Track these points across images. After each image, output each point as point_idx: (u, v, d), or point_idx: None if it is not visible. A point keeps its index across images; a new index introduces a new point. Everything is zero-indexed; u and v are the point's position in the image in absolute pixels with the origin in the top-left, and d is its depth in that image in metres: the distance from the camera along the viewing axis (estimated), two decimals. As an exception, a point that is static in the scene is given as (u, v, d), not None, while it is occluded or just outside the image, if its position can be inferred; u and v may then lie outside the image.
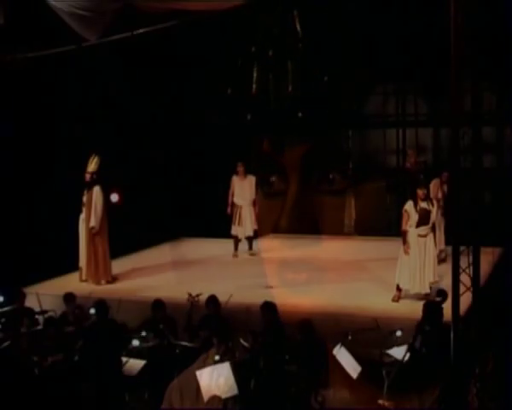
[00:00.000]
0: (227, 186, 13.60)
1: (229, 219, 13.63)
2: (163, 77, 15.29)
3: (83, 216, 11.84)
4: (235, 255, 13.76)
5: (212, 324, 8.84)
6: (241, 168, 13.53)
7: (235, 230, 13.67)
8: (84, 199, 11.77)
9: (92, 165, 11.71)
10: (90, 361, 8.09)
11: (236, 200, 13.58)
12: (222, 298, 9.34)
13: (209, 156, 15.75)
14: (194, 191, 15.68)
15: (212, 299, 9.22)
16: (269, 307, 8.63)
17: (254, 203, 13.65)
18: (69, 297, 9.75)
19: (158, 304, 9.36)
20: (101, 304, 8.78)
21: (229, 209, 13.63)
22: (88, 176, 11.68)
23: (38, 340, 8.66)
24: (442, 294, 8.56)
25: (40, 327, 9.06)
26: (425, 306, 7.98)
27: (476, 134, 8.77)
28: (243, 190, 13.56)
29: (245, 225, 13.59)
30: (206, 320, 9.05)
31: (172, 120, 15.63)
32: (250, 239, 13.80)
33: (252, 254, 13.80)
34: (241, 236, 13.70)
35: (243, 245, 13.84)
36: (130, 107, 14.07)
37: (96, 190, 11.67)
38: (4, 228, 11.61)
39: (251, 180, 13.60)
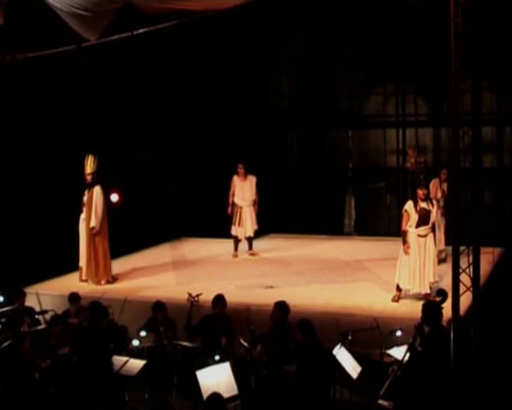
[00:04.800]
0: (227, 186, 13.57)
1: (230, 220, 13.61)
2: (162, 76, 15.32)
3: (83, 216, 11.83)
4: (235, 255, 13.73)
5: (220, 323, 8.84)
6: (241, 169, 13.46)
7: (235, 230, 13.63)
8: (84, 199, 11.75)
9: (91, 165, 11.67)
10: (89, 361, 8.09)
11: (237, 200, 13.53)
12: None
13: (209, 156, 15.75)
14: (193, 191, 15.67)
15: (220, 298, 9.21)
16: (283, 309, 8.60)
17: (255, 204, 13.62)
18: (74, 297, 9.74)
19: (159, 306, 9.32)
20: (95, 305, 8.78)
21: (229, 210, 13.58)
22: (88, 177, 11.65)
23: (42, 338, 8.64)
24: (442, 294, 8.55)
25: (41, 327, 9.05)
26: (424, 306, 7.98)
27: (476, 134, 8.78)
28: (243, 190, 13.51)
29: (245, 225, 13.54)
30: (206, 320, 9.05)
31: (173, 119, 15.63)
32: (250, 239, 13.78)
33: (252, 255, 13.78)
34: (241, 236, 13.66)
35: (243, 245, 13.81)
36: (131, 106, 14.07)
37: (96, 190, 11.65)
38: (4, 228, 11.60)
39: (251, 181, 13.56)
